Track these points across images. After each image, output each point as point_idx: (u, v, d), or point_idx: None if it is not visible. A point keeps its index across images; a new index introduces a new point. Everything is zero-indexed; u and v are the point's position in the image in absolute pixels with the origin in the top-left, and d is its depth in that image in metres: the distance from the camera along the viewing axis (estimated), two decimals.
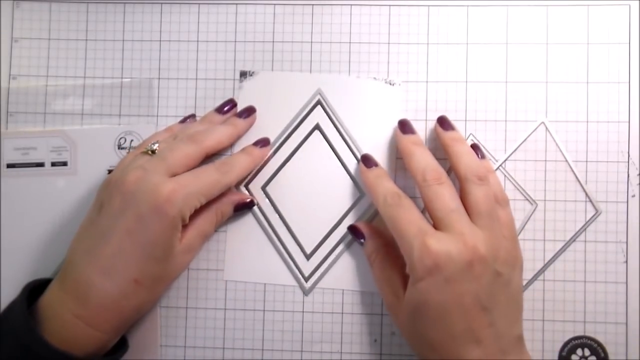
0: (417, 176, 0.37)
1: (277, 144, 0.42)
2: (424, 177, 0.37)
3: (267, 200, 0.42)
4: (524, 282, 0.41)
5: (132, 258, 0.35)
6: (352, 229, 0.41)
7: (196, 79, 0.43)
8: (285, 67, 0.43)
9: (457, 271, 0.33)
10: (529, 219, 0.41)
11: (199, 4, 0.43)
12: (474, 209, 0.36)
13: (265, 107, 0.42)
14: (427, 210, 0.37)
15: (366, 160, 0.40)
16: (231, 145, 0.42)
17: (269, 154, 0.42)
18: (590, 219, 0.41)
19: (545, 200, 0.41)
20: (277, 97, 0.42)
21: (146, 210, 0.35)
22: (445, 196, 0.36)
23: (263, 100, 0.42)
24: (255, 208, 0.42)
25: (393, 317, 0.38)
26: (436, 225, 0.36)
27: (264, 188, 0.42)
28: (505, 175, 0.41)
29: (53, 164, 0.42)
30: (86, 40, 0.43)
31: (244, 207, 0.41)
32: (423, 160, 0.37)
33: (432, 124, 0.42)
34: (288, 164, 0.42)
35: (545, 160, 0.41)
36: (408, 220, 0.35)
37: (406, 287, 0.36)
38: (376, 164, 0.40)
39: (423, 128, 0.42)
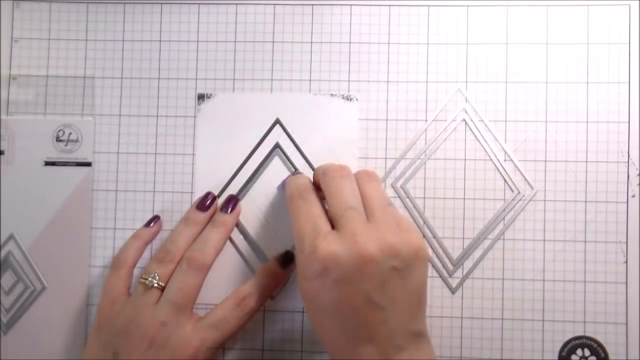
0: (318, 173, 0.37)
1: (238, 166, 0.42)
2: (325, 171, 0.36)
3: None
4: (524, 282, 0.41)
5: None
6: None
7: (196, 79, 0.43)
8: (285, 67, 0.43)
9: (346, 273, 0.32)
10: (529, 218, 0.41)
11: (199, 4, 0.43)
12: (367, 206, 0.35)
13: (224, 129, 0.42)
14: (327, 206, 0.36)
15: (292, 174, 0.41)
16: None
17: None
18: (590, 219, 0.41)
19: (545, 200, 0.41)
20: (236, 118, 0.42)
21: None
22: (345, 191, 0.35)
23: (222, 122, 0.42)
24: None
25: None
26: (333, 223, 0.35)
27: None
28: (504, 175, 0.41)
29: None
30: (86, 40, 0.43)
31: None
32: (327, 163, 0.38)
33: (432, 124, 0.42)
34: (250, 184, 0.42)
35: (545, 161, 0.41)
36: (306, 215, 0.35)
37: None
38: (301, 174, 0.40)
39: (423, 128, 0.42)
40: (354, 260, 0.32)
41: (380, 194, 0.36)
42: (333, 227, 0.35)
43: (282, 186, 0.41)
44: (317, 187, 0.38)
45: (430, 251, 0.41)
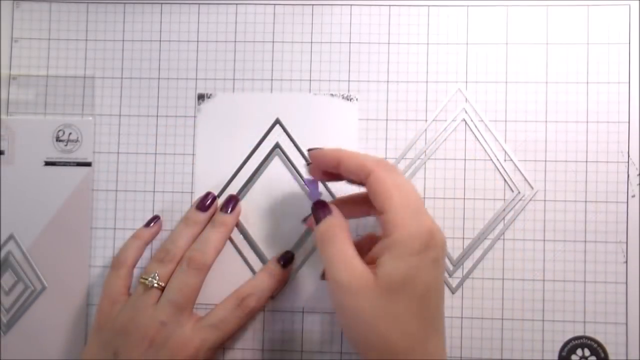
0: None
1: (238, 166, 0.42)
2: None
3: None
4: (524, 282, 0.41)
5: None
6: (318, 205, 0.36)
7: (196, 79, 0.43)
8: (285, 67, 0.43)
9: (440, 253, 0.32)
10: (529, 218, 0.41)
11: (199, 4, 0.43)
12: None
13: (224, 129, 0.42)
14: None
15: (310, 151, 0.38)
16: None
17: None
18: (590, 219, 0.41)
19: (545, 200, 0.41)
20: (236, 118, 0.42)
21: None
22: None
23: (222, 122, 0.42)
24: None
25: (348, 299, 0.32)
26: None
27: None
28: (504, 175, 0.41)
29: None
30: (86, 40, 0.43)
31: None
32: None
33: (432, 124, 0.42)
34: (250, 184, 0.42)
35: (545, 161, 0.41)
36: (409, 190, 0.33)
37: (369, 262, 0.33)
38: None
39: (423, 128, 0.42)
40: (442, 242, 0.33)
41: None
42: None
43: (308, 184, 0.41)
44: (329, 172, 0.36)
45: None
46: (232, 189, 0.42)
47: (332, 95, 0.42)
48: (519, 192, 0.41)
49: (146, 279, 0.38)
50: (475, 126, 0.42)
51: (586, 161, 0.41)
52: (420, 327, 0.32)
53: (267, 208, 0.42)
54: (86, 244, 0.42)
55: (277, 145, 0.42)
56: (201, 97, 0.43)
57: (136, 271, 0.41)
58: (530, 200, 0.41)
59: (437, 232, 0.32)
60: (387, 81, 0.42)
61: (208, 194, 0.41)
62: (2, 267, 0.42)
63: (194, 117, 0.43)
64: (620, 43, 0.42)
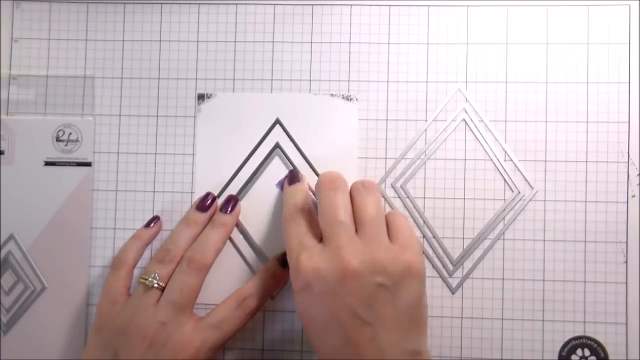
0: (316, 184, 0.38)
1: (238, 166, 0.42)
2: (318, 182, 0.37)
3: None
4: (524, 282, 0.41)
5: None
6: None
7: (196, 79, 0.43)
8: (285, 67, 0.43)
9: (328, 287, 0.33)
10: (529, 218, 0.41)
11: (199, 4, 0.43)
12: (358, 218, 0.35)
13: (224, 129, 0.42)
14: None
15: (291, 177, 0.40)
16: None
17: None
18: (590, 219, 0.41)
19: (545, 200, 0.41)
20: (236, 118, 0.42)
21: None
22: (335, 204, 0.35)
23: (222, 122, 0.42)
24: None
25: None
26: (322, 236, 0.35)
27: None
28: (504, 175, 0.41)
29: None
30: (86, 40, 0.43)
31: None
32: (326, 172, 0.38)
33: (432, 124, 0.42)
34: (250, 184, 0.42)
35: (545, 161, 0.41)
36: (293, 233, 0.36)
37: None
38: (300, 180, 0.40)
39: (423, 128, 0.42)
40: (336, 274, 0.33)
41: (373, 207, 0.36)
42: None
43: (281, 185, 0.41)
44: None
45: (430, 251, 0.41)
46: (232, 189, 0.42)
47: (332, 95, 0.42)
48: (519, 192, 0.41)
49: (146, 279, 0.38)
50: (475, 126, 0.42)
51: (586, 161, 0.41)
52: (330, 353, 0.33)
53: (267, 208, 0.42)
54: (86, 244, 0.42)
55: (277, 145, 0.42)
56: (201, 97, 0.43)
57: (136, 271, 0.41)
58: (530, 200, 0.41)
59: (312, 271, 0.33)
60: (387, 81, 0.42)
61: (208, 194, 0.41)
62: (2, 267, 0.42)
63: (194, 117, 0.43)
64: (620, 43, 0.42)
